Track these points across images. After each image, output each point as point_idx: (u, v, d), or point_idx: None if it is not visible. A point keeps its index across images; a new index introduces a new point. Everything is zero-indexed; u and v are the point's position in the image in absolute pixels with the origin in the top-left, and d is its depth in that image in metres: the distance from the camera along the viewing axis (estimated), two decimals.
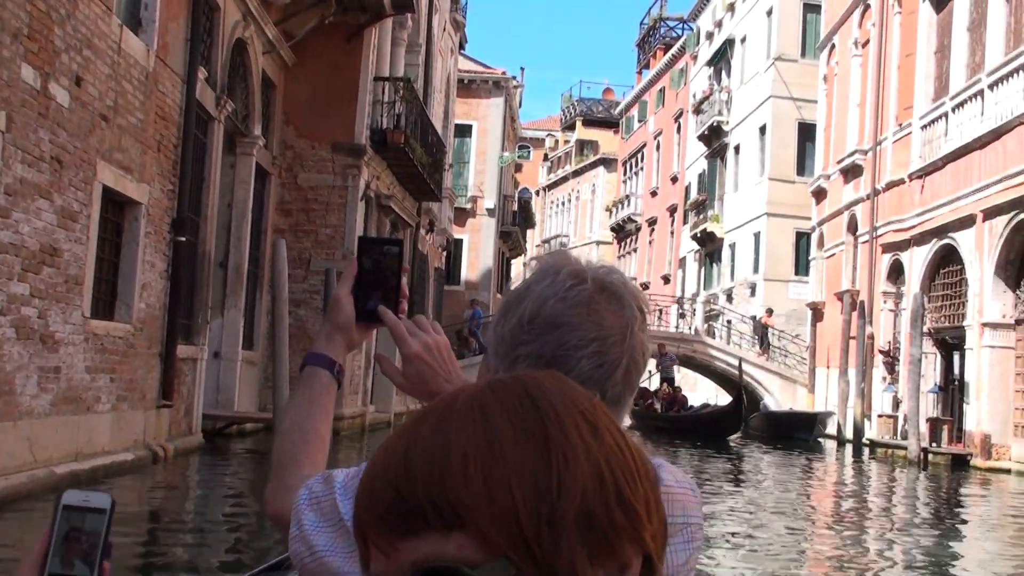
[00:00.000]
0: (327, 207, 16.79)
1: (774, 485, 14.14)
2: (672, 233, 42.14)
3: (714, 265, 35.99)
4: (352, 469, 1.12)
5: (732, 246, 33.65)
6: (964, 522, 11.23)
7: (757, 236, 31.19)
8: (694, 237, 37.03)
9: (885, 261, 21.88)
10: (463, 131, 32.86)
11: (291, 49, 16.20)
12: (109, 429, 10.14)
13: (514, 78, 35.89)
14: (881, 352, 21.62)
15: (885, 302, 21.97)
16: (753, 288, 31.24)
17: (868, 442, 20.51)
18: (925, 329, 18.98)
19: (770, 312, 28.24)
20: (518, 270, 47.15)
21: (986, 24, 17.97)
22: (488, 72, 34.19)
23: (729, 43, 35.38)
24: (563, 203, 57.15)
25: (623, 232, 49.18)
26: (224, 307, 14.47)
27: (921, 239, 19.78)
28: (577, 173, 54.73)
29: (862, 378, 21.33)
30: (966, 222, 17.74)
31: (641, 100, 48.33)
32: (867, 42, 23.75)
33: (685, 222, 39.21)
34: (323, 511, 1.11)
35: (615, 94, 57.05)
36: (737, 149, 33.86)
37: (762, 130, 31.55)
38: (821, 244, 26.38)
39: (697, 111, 37.62)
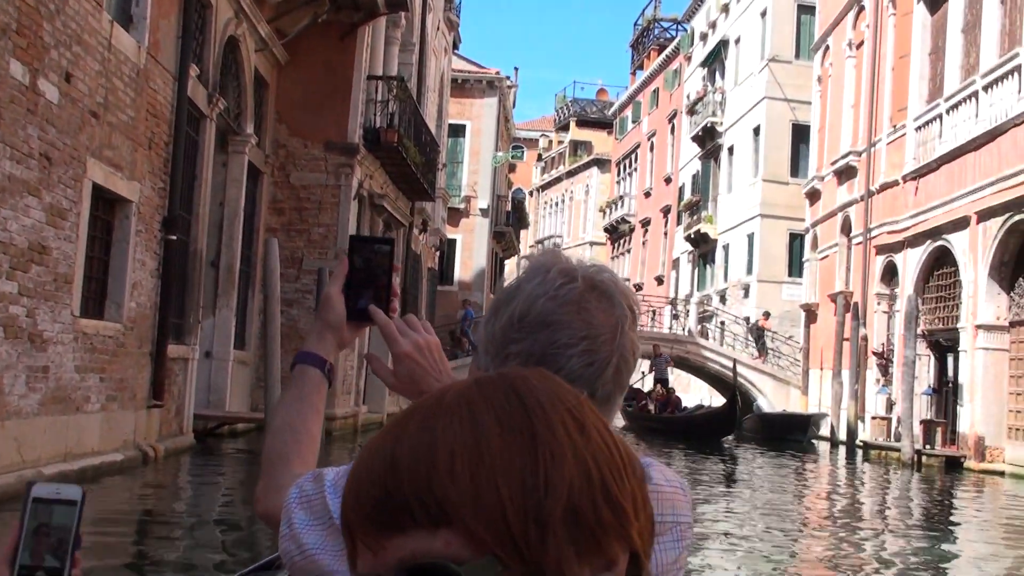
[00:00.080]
0: (320, 206, 16.71)
1: (768, 487, 14.09)
2: (666, 234, 42.12)
3: (707, 266, 35.97)
4: (342, 468, 1.11)
5: (726, 247, 33.63)
6: (958, 524, 11.21)
7: (751, 237, 31.17)
8: (687, 238, 37.00)
9: (879, 263, 21.87)
10: (457, 131, 32.79)
11: (284, 47, 16.11)
12: (99, 429, 10.05)
13: (508, 78, 35.83)
14: (875, 354, 21.61)
15: (879, 304, 21.95)
16: (747, 289, 31.22)
17: (861, 444, 20.49)
18: (919, 331, 18.96)
19: (767, 315, 28.19)
20: (511, 270, 47.11)
21: (980, 26, 17.96)
22: (482, 72, 34.13)
23: (723, 44, 35.36)
24: (556, 204, 57.12)
25: (616, 233, 49.15)
26: (216, 306, 14.38)
27: (915, 241, 19.77)
28: (571, 174, 54.69)
29: (855, 380, 21.32)
30: (960, 224, 17.73)
31: (635, 101, 48.31)
32: (861, 43, 23.73)
33: (679, 223, 39.19)
34: (313, 509, 1.11)
35: (609, 95, 57.06)
36: (731, 150, 33.84)
37: (756, 131, 31.53)
38: (815, 245, 26.37)
39: (691, 112, 37.60)
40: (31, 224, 8.38)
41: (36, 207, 8.44)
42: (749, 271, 31.18)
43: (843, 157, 23.77)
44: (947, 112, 18.81)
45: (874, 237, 21.95)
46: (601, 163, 52.08)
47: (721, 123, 34.65)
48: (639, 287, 41.92)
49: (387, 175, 19.09)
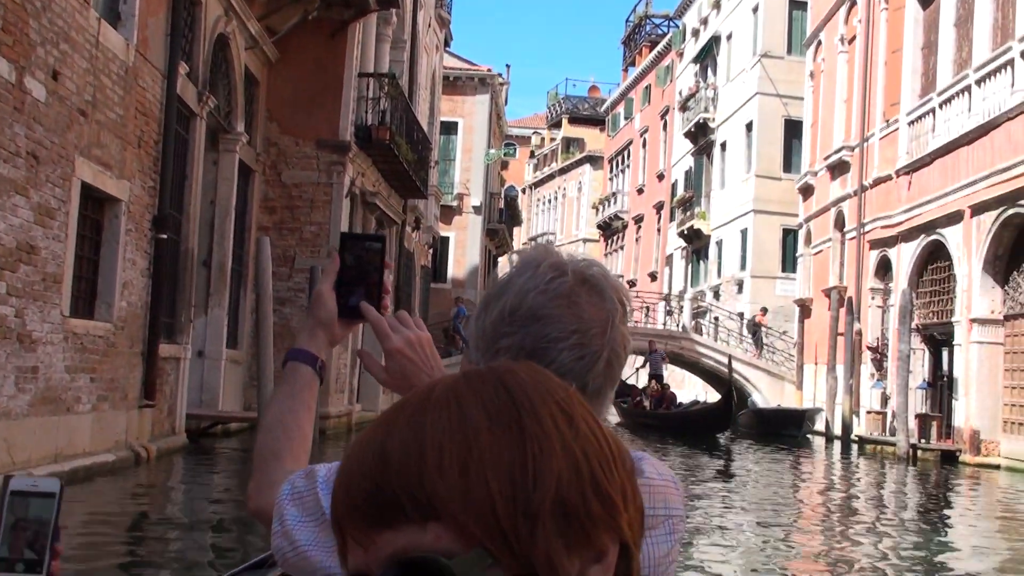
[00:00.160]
0: (311, 204, 16.63)
1: (764, 482, 14.06)
2: (659, 230, 42.09)
3: (701, 262, 35.95)
4: (334, 464, 1.10)
5: (719, 243, 33.61)
6: (954, 517, 11.18)
7: (744, 233, 31.15)
8: (681, 234, 36.98)
9: (873, 257, 21.85)
10: (449, 128, 32.70)
11: (274, 45, 16.02)
12: (90, 430, 9.96)
13: (500, 75, 35.74)
14: (869, 348, 21.59)
15: (873, 298, 21.94)
16: (740, 285, 31.20)
17: (857, 438, 20.47)
18: (913, 325, 18.95)
19: (764, 311, 28.15)
20: (504, 267, 47.03)
21: (973, 20, 17.94)
22: (474, 69, 34.04)
23: (715, 40, 35.33)
24: (549, 201, 57.07)
25: (610, 230, 49.12)
26: (208, 305, 14.29)
27: (909, 235, 19.75)
28: (563, 171, 54.65)
29: (850, 375, 21.30)
30: (954, 218, 17.71)
31: (627, 97, 48.27)
32: (853, 38, 23.71)
33: (672, 219, 39.17)
34: (305, 506, 1.12)
35: (601, 91, 56.99)
36: (723, 146, 33.82)
37: (748, 127, 31.51)
38: (808, 241, 26.35)
39: (683, 108, 37.57)
40: (19, 223, 8.29)
41: (24, 206, 8.35)
42: (743, 267, 31.16)
43: (836, 152, 23.75)
44: (940, 106, 18.79)
45: (868, 232, 21.93)
46: (594, 160, 52.03)
47: (713, 119, 34.62)
48: (632, 283, 41.90)
49: (379, 173, 19.01)
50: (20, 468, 8.42)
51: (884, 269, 21.57)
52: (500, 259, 39.98)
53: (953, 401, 17.76)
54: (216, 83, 13.94)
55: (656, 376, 24.71)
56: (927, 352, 19.50)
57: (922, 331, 19.45)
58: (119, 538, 7.57)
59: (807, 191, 26.51)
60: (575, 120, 55.12)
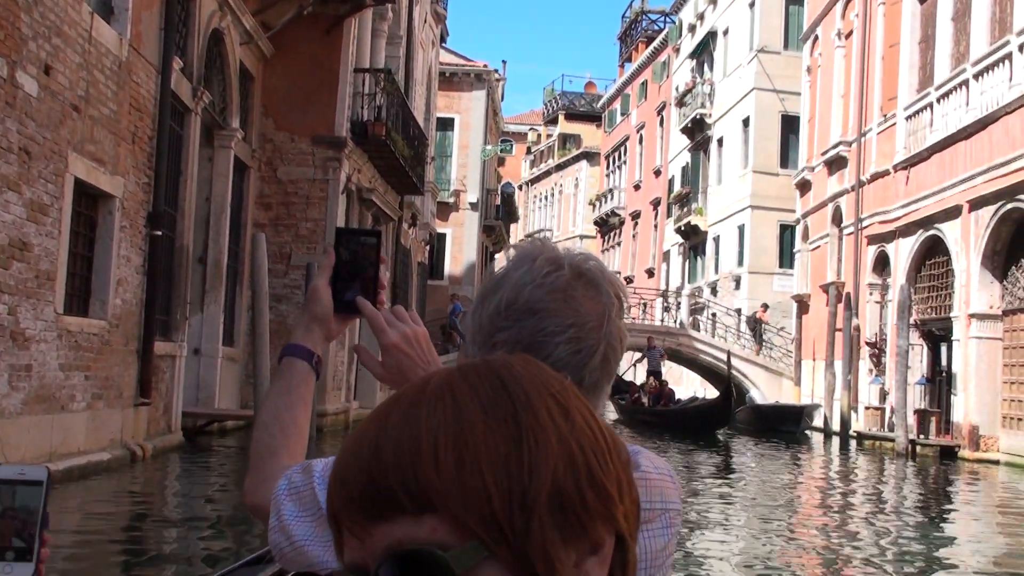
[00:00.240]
0: (307, 201, 16.54)
1: (762, 478, 14.01)
2: (656, 226, 42.03)
3: (698, 258, 35.89)
4: (331, 459, 1.07)
5: (716, 239, 33.56)
6: (952, 512, 11.14)
7: (741, 229, 31.10)
8: (678, 230, 36.92)
9: (870, 253, 21.80)
10: (445, 125, 32.61)
11: (269, 40, 15.92)
12: (84, 428, 9.88)
13: (496, 71, 35.65)
14: (867, 344, 21.54)
15: (871, 294, 21.89)
16: (738, 281, 31.15)
17: (855, 434, 20.43)
18: (912, 321, 18.90)
19: (765, 307, 28.07)
20: (501, 263, 46.96)
21: (970, 14, 17.87)
22: (470, 65, 33.94)
23: (711, 36, 35.25)
24: (546, 197, 57.00)
25: (607, 226, 49.05)
26: (204, 303, 14.21)
27: (907, 230, 19.69)
28: (560, 167, 54.56)
29: (848, 370, 21.25)
30: (952, 213, 17.65)
31: (623, 93, 48.18)
32: (850, 33, 23.64)
33: (669, 215, 39.10)
34: (302, 501, 1.12)
35: (597, 88, 56.90)
36: (720, 142, 33.75)
37: (745, 122, 31.44)
38: (806, 236, 26.30)
39: (680, 104, 37.49)
40: (11, 220, 8.20)
41: (16, 202, 8.27)
42: (740, 263, 31.11)
43: (833, 147, 23.68)
44: (938, 101, 18.73)
45: (865, 227, 21.88)
46: (590, 156, 51.95)
47: (710, 115, 34.55)
48: (630, 280, 41.84)
49: (375, 169, 18.93)
50: None
51: (882, 264, 21.52)
52: (497, 256, 39.91)
53: (952, 396, 17.71)
54: (211, 79, 13.85)
55: (654, 373, 24.65)
56: (925, 347, 19.46)
57: (920, 326, 19.40)
58: (115, 536, 7.53)
59: (804, 187, 26.45)
60: (571, 116, 55.03)
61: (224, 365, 14.70)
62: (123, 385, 10.84)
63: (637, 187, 44.83)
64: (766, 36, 30.84)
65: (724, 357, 23.47)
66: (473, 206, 33.99)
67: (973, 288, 16.85)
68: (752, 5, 31.63)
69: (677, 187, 38.31)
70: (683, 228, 36.10)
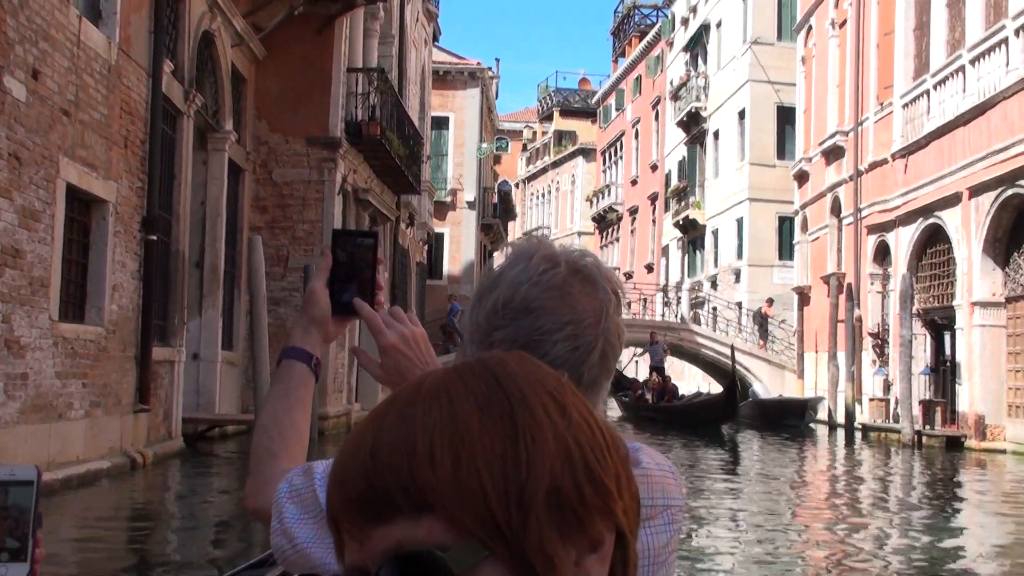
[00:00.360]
0: (303, 202, 16.43)
1: (768, 471, 13.92)
2: (654, 221, 41.92)
3: (697, 252, 35.79)
4: (332, 460, 0.99)
5: (715, 232, 33.46)
6: (961, 503, 11.06)
7: (740, 222, 30.99)
8: (676, 225, 36.81)
9: (871, 242, 21.69)
10: (440, 123, 32.50)
11: (261, 42, 15.81)
12: (83, 436, 9.77)
13: (489, 69, 35.54)
14: (870, 335, 21.44)
15: (872, 284, 21.78)
16: (737, 274, 31.05)
17: (860, 426, 20.32)
18: (914, 310, 18.78)
19: (770, 302, 27.94)
20: (499, 262, 46.85)
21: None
22: (463, 63, 33.83)
23: (705, 28, 35.13)
24: (543, 195, 56.89)
25: (604, 222, 48.94)
26: (201, 307, 14.10)
27: (907, 219, 19.59)
28: (556, 164, 54.45)
29: (852, 362, 21.14)
30: (952, 200, 17.55)
31: (618, 89, 48.07)
32: (844, 22, 23.53)
33: (667, 210, 38.99)
34: (304, 503, 1.13)
35: (591, 84, 56.81)
36: (716, 135, 33.64)
37: (741, 115, 31.33)
38: (805, 228, 26.19)
39: (675, 98, 37.38)
40: (3, 227, 8.09)
41: (7, 209, 8.15)
42: (739, 256, 31.01)
43: (830, 137, 23.58)
44: (934, 88, 18.62)
45: (865, 217, 21.77)
46: (586, 152, 51.84)
47: (705, 108, 34.44)
48: (629, 276, 41.73)
49: (371, 169, 18.81)
50: None
51: (883, 254, 21.41)
52: (495, 254, 39.81)
53: (957, 386, 17.61)
54: (203, 81, 13.73)
55: (657, 368, 24.53)
56: (929, 337, 19.35)
57: (923, 316, 19.30)
58: (116, 544, 7.50)
59: (802, 178, 26.35)
60: (566, 113, 54.91)
61: (224, 369, 14.59)
62: (121, 392, 10.73)
63: (634, 182, 44.73)
64: (760, 27, 30.73)
65: (726, 351, 23.36)
66: (470, 205, 33.87)
67: (975, 276, 16.75)
68: None
69: (674, 181, 38.20)
70: (681, 222, 36.00)
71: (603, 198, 48.57)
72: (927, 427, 17.77)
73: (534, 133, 58.58)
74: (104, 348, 10.28)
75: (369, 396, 19.15)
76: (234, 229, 15.52)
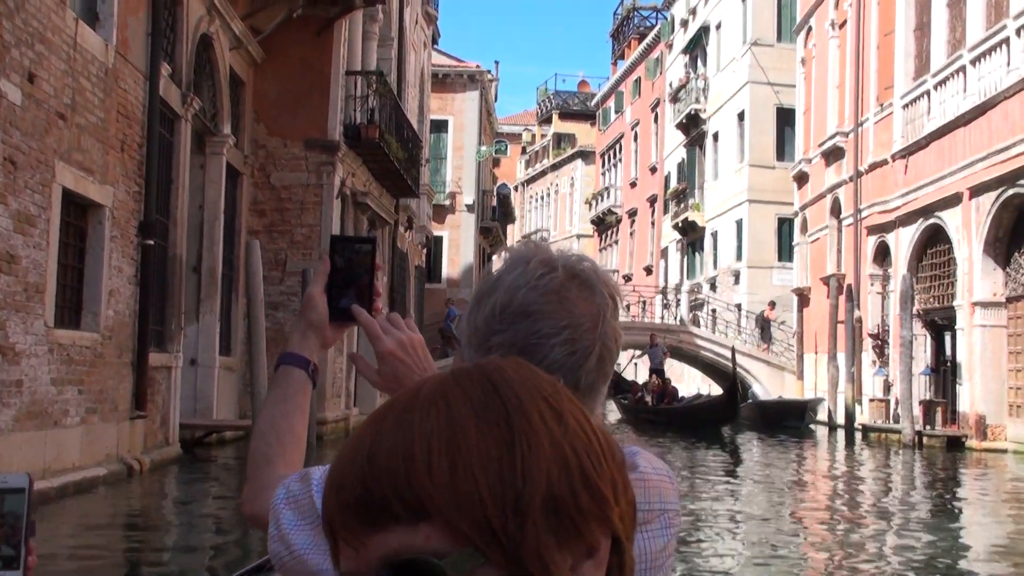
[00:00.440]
0: (302, 206, 16.36)
1: (770, 473, 13.86)
2: (653, 224, 41.86)
3: (696, 254, 35.74)
4: (329, 466, 0.96)
5: (714, 234, 33.40)
6: (963, 503, 11.00)
7: (739, 223, 30.94)
8: (675, 227, 36.76)
9: (871, 243, 21.63)
10: (439, 127, 32.44)
11: (259, 45, 15.75)
12: (79, 443, 9.70)
13: (488, 72, 35.50)
14: (870, 336, 21.38)
15: (872, 285, 21.72)
16: (737, 276, 30.99)
17: (860, 427, 20.25)
18: (914, 311, 18.72)
19: (772, 305, 27.88)
20: (498, 265, 46.79)
21: None
22: (462, 66, 33.78)
23: (704, 30, 35.09)
24: (542, 197, 56.84)
25: (604, 224, 48.88)
26: (199, 312, 14.03)
27: (907, 219, 19.54)
28: (555, 167, 54.40)
29: (852, 363, 21.08)
30: (952, 201, 17.50)
31: (617, 91, 48.03)
32: (844, 23, 23.49)
33: (666, 212, 38.94)
34: (301, 509, 1.12)
35: (590, 86, 56.77)
36: (716, 136, 33.60)
37: (740, 116, 31.29)
38: (804, 229, 26.14)
39: (674, 100, 37.34)
40: None
41: (2, 214, 8.09)
42: (739, 257, 30.95)
43: (830, 138, 23.53)
44: (935, 88, 18.57)
45: (865, 218, 21.72)
46: (585, 155, 51.79)
47: (705, 110, 34.39)
48: (628, 278, 41.68)
49: (370, 172, 18.75)
50: None
51: (883, 255, 21.35)
52: (494, 257, 39.74)
53: (957, 386, 17.55)
54: (200, 84, 13.67)
55: (657, 370, 24.46)
56: (929, 337, 19.29)
57: (923, 316, 19.24)
58: (113, 552, 7.46)
59: (802, 179, 26.29)
60: (565, 115, 54.87)
61: (221, 375, 14.51)
62: (118, 398, 10.66)
63: (633, 185, 44.67)
64: (759, 29, 30.69)
65: (725, 353, 23.29)
66: (469, 208, 33.81)
67: (976, 276, 16.69)
68: None
69: (673, 183, 38.15)
70: (680, 224, 35.94)
71: (602, 200, 48.52)
72: (928, 427, 17.71)
73: (533, 136, 58.54)
74: (100, 354, 10.21)
75: (367, 401, 19.07)
76: (232, 233, 15.45)
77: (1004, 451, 15.84)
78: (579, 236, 51.30)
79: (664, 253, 39.89)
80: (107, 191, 10.30)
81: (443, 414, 0.60)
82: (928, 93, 18.82)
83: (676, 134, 37.57)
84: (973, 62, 17.06)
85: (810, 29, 26.06)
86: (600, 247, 49.51)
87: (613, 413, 25.07)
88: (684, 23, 37.96)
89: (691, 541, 7.71)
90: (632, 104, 45.18)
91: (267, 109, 16.26)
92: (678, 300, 32.55)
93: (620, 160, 47.23)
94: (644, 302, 32.11)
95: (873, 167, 21.32)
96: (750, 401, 24.65)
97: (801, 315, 25.98)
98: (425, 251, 28.88)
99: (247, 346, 14.21)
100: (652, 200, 41.77)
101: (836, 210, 23.65)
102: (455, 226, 33.56)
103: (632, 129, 45.01)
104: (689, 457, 15.54)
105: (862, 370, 21.27)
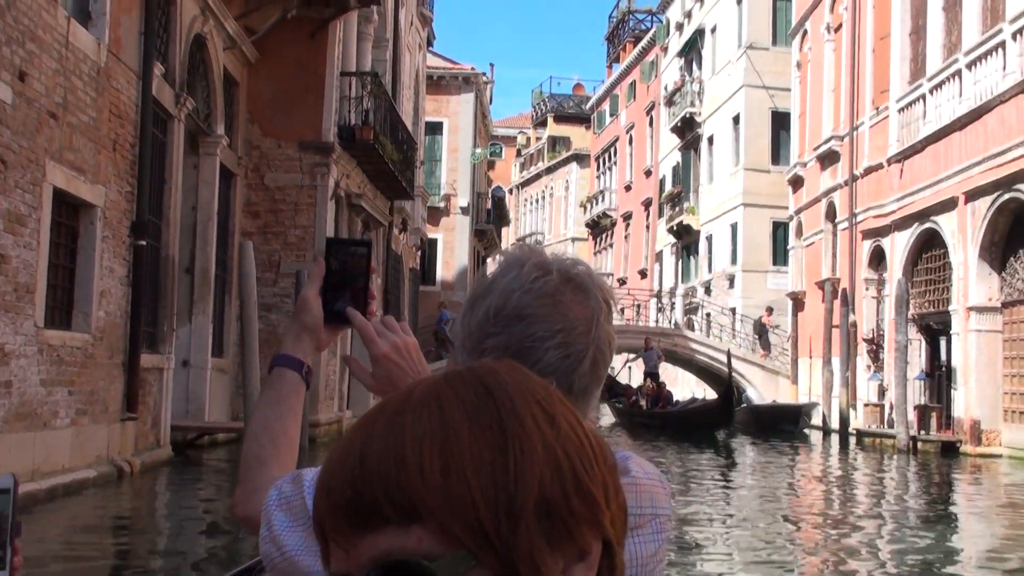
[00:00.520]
0: (296, 208, 16.29)
1: (763, 478, 13.81)
2: (648, 227, 41.84)
3: (691, 258, 35.71)
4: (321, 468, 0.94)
5: (709, 238, 33.38)
6: (956, 508, 10.96)
7: (734, 227, 30.92)
8: (670, 230, 36.74)
9: (866, 247, 21.61)
10: (434, 129, 32.38)
11: (253, 45, 15.67)
12: (69, 445, 9.60)
13: (484, 74, 35.42)
14: (865, 340, 21.35)
15: (867, 289, 21.70)
16: (731, 280, 30.97)
17: (855, 432, 20.22)
18: (909, 315, 18.70)
19: (770, 311, 27.85)
20: (492, 268, 46.73)
21: (961, 3, 17.71)
22: (457, 68, 33.72)
23: (699, 33, 35.09)
24: (537, 200, 56.80)
25: (598, 228, 48.86)
26: (192, 313, 13.94)
27: (902, 224, 19.51)
28: (550, 170, 54.38)
29: (846, 367, 21.04)
30: (948, 205, 17.47)
31: (612, 94, 48.02)
32: (839, 27, 23.48)
33: (660, 215, 38.92)
34: (293, 511, 1.12)
35: (586, 89, 56.75)
36: (711, 140, 33.59)
37: (735, 120, 31.28)
38: (799, 233, 26.11)
39: (669, 103, 37.33)
40: None
41: None
42: (733, 261, 30.93)
43: (825, 142, 23.52)
44: (930, 92, 18.56)
45: (860, 222, 21.69)
46: (580, 158, 51.78)
47: (700, 113, 34.39)
48: (623, 281, 41.66)
49: (364, 174, 18.68)
50: None
51: (878, 259, 21.33)
52: (488, 260, 39.68)
53: (952, 391, 17.52)
54: (194, 84, 13.59)
55: (651, 374, 24.41)
56: (924, 342, 19.27)
57: (918, 321, 19.21)
58: (102, 555, 7.38)
59: (797, 183, 26.27)
60: (560, 118, 54.86)
61: (214, 376, 14.42)
62: (109, 400, 10.57)
63: (628, 188, 44.66)
64: (754, 32, 30.68)
65: (720, 357, 23.26)
66: (464, 210, 33.75)
67: (971, 281, 16.67)
68: (740, 2, 31.48)
69: (668, 187, 38.13)
70: (675, 228, 35.92)
71: (597, 204, 48.50)
72: (922, 432, 17.68)
73: (528, 139, 58.53)
74: (91, 355, 10.12)
75: (360, 403, 19.00)
76: (225, 234, 15.37)
77: (999, 456, 15.82)
78: (574, 239, 51.27)
79: (659, 257, 39.87)
80: (99, 191, 10.22)
81: (436, 417, 0.60)
82: (924, 97, 18.81)
83: (671, 137, 37.55)
84: (969, 66, 17.05)
85: (805, 32, 26.05)
86: (595, 250, 49.48)
87: (607, 417, 25.00)
88: (679, 26, 37.96)
89: (684, 545, 7.66)
90: (627, 107, 45.17)
91: (261, 110, 16.19)
92: (673, 304, 32.53)
93: (615, 163, 47.21)
94: (639, 306, 32.10)
95: (868, 171, 21.30)
96: (744, 405, 24.61)
97: (796, 319, 25.95)
98: (419, 253, 28.81)
99: (240, 348, 14.12)
100: (647, 203, 41.75)
101: (831, 214, 23.63)
102: (449, 228, 33.50)
103: (627, 132, 45.00)
104: (683, 461, 15.48)
105: (857, 375, 21.24)
